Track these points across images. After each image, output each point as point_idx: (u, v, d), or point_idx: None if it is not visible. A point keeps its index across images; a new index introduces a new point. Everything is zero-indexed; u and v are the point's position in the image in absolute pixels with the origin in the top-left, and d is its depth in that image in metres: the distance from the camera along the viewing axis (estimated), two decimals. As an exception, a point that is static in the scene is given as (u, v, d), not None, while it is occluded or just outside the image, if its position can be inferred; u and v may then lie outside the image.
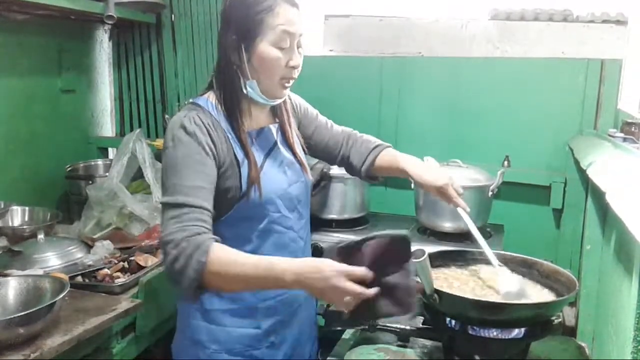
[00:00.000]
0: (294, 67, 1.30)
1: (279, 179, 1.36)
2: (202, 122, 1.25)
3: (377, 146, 1.59)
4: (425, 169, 1.49)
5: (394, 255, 1.06)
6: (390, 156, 1.57)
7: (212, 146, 1.24)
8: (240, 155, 1.29)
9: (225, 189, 1.28)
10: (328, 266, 1.06)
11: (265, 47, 1.26)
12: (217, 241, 1.15)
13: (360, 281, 1.05)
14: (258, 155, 1.33)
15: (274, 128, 1.41)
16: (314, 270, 1.07)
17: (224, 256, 1.12)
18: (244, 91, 1.30)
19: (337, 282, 1.04)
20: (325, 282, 1.05)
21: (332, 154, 1.61)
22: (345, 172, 2.20)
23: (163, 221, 1.18)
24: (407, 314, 1.07)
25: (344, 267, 1.06)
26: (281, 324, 1.39)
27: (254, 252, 1.29)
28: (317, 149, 1.59)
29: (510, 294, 1.32)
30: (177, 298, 1.43)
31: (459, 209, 1.47)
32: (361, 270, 1.06)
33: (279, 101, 1.38)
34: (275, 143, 1.39)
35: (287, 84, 1.32)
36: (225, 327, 1.34)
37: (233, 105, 1.31)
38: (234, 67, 1.29)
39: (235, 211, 1.29)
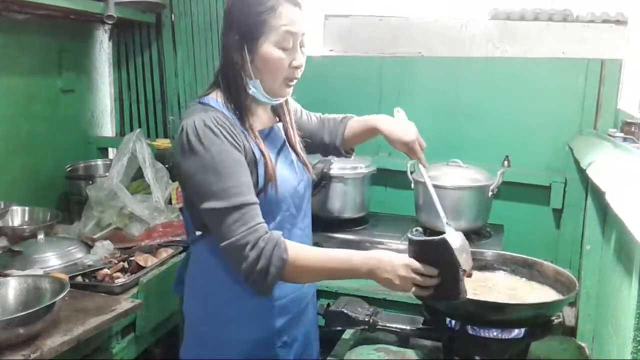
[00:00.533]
0: (297, 67, 1.30)
1: (291, 177, 1.37)
2: (224, 121, 1.24)
3: (343, 118, 1.64)
4: (396, 124, 1.54)
5: (437, 253, 1.21)
6: (358, 121, 1.63)
7: (238, 143, 1.25)
8: (257, 153, 1.29)
9: None
10: (399, 260, 1.21)
11: (269, 48, 1.26)
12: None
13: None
14: (270, 154, 1.33)
15: (280, 127, 1.42)
16: (385, 262, 1.21)
17: (301, 252, 1.23)
18: (248, 91, 1.30)
19: (406, 274, 1.20)
20: (396, 273, 1.20)
21: (314, 143, 1.63)
22: (346, 172, 2.23)
23: (223, 226, 1.19)
24: (457, 299, 1.21)
25: (412, 261, 1.21)
26: (292, 323, 1.39)
27: None
28: (304, 144, 1.59)
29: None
30: (184, 304, 1.41)
31: (420, 166, 1.54)
32: (424, 266, 1.20)
33: (281, 100, 1.39)
34: (284, 142, 1.40)
35: (290, 83, 1.33)
36: (236, 330, 1.33)
37: (240, 104, 1.31)
38: (237, 67, 1.29)
39: None
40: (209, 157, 1.20)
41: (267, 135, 1.37)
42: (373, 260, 1.22)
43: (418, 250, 1.22)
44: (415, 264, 1.20)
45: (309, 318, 1.47)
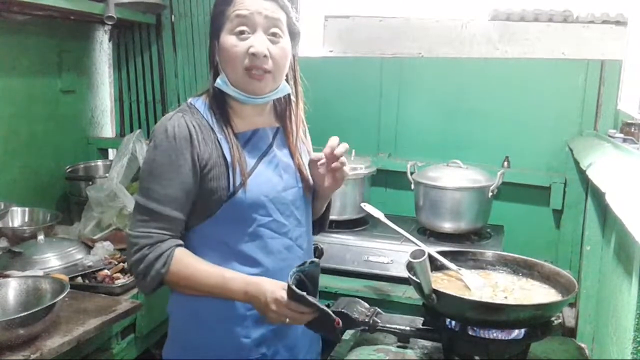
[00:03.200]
0: (254, 55, 1.23)
1: (273, 181, 1.32)
2: (187, 124, 1.25)
3: None
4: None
5: (305, 304, 1.17)
6: None
7: (193, 150, 1.24)
8: (229, 156, 1.27)
9: (210, 190, 1.26)
10: (270, 293, 1.19)
11: (224, 37, 1.26)
12: (179, 245, 1.26)
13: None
14: (251, 157, 1.30)
15: (270, 131, 1.37)
16: (260, 293, 1.20)
17: (183, 268, 1.25)
18: (216, 85, 1.29)
19: (277, 309, 1.18)
20: (267, 307, 1.19)
21: None
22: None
23: (132, 218, 1.28)
24: (333, 339, 1.27)
25: (282, 297, 1.17)
26: (273, 335, 1.34)
27: (243, 257, 1.29)
28: None
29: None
30: (169, 303, 1.40)
31: None
32: (294, 304, 1.17)
33: (260, 99, 1.30)
34: (270, 145, 1.36)
35: (253, 73, 1.25)
36: (216, 334, 1.31)
37: (220, 104, 1.31)
38: (213, 67, 1.32)
39: (222, 212, 1.27)
40: (153, 156, 1.25)
41: (249, 138, 1.33)
42: (251, 287, 1.21)
43: (288, 291, 1.17)
44: (284, 301, 1.16)
45: (296, 332, 1.39)
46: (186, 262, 1.25)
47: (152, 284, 1.24)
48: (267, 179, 1.32)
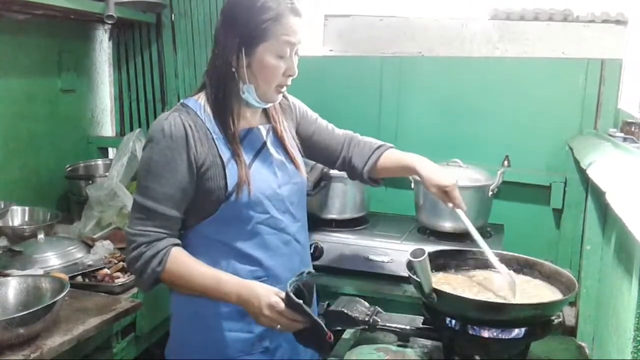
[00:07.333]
0: (290, 76, 1.33)
1: (268, 179, 1.35)
2: (183, 124, 1.26)
3: (380, 146, 1.61)
4: (434, 167, 1.52)
5: (298, 310, 1.18)
6: (394, 155, 1.59)
7: (189, 149, 1.26)
8: (226, 155, 1.29)
9: (208, 190, 1.28)
10: (264, 297, 1.19)
11: (267, 56, 1.27)
12: (176, 245, 1.27)
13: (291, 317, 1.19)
14: (246, 156, 1.32)
15: (263, 129, 1.40)
16: (253, 297, 1.20)
17: (179, 267, 1.25)
18: (241, 95, 1.31)
19: (269, 314, 1.18)
20: (260, 311, 1.19)
21: (332, 156, 1.61)
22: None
23: (130, 216, 1.30)
24: (319, 352, 1.27)
25: (278, 303, 1.18)
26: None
27: (242, 255, 1.31)
28: (316, 152, 1.58)
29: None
30: (171, 302, 1.42)
31: (459, 211, 1.50)
32: (288, 311, 1.17)
33: (271, 104, 1.40)
34: (264, 144, 1.38)
35: (281, 90, 1.35)
36: (218, 331, 1.33)
37: (225, 105, 1.31)
38: (232, 69, 1.29)
39: (221, 212, 1.29)
40: (150, 154, 1.27)
41: (244, 136, 1.36)
42: (244, 290, 1.22)
43: (286, 298, 1.19)
44: (280, 306, 1.17)
45: None
46: (182, 261, 1.26)
47: (149, 282, 1.26)
48: (263, 177, 1.34)
